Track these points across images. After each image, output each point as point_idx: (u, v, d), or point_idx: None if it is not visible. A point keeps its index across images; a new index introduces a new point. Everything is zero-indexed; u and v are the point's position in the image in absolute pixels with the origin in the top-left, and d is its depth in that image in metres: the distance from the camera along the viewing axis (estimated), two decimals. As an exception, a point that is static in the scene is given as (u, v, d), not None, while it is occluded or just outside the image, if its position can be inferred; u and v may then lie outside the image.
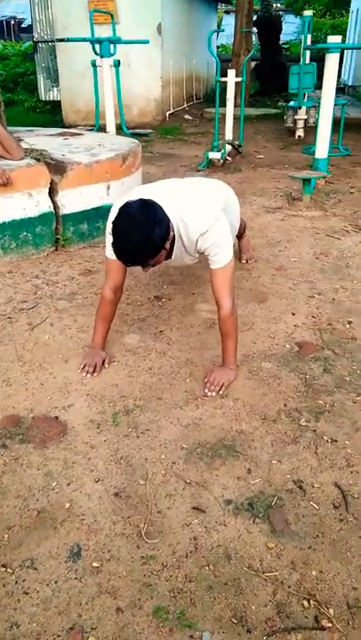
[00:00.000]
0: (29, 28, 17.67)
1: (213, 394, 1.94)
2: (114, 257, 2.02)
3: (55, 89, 9.33)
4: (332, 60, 4.28)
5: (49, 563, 1.34)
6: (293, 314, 2.52)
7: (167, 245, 1.78)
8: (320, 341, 2.29)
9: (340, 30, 14.89)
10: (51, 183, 3.13)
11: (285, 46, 14.92)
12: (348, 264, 3.09)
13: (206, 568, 1.32)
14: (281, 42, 13.22)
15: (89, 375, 2.07)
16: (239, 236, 2.99)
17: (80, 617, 1.21)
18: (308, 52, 6.22)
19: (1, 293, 2.75)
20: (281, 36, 12.57)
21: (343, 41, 4.50)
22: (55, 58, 8.68)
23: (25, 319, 2.51)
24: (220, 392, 1.95)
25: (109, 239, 1.98)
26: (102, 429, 1.80)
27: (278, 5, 15.54)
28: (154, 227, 1.67)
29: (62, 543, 1.39)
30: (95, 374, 2.08)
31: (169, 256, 1.99)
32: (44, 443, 1.74)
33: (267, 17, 11.58)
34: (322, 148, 4.57)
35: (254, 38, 9.31)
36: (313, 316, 2.50)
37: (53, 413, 1.88)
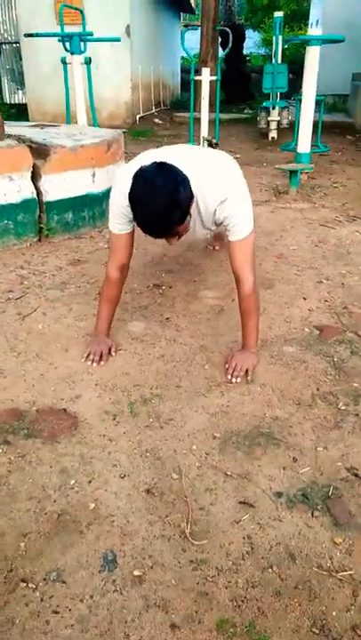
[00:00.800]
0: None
1: (238, 380, 1.75)
2: (119, 231, 1.82)
3: (20, 91, 9.04)
4: (312, 53, 4.23)
5: (79, 574, 1.11)
6: (305, 298, 2.37)
7: (192, 209, 1.59)
8: (340, 325, 2.14)
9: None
10: (33, 167, 2.89)
11: (247, 58, 15.15)
12: (350, 251, 2.98)
13: (269, 570, 1.12)
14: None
15: (95, 364, 1.85)
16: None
17: (128, 637, 0.99)
18: (280, 53, 6.22)
19: (-17, 283, 2.49)
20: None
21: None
22: (20, 59, 8.41)
23: (13, 309, 2.26)
24: (249, 378, 1.76)
25: (115, 210, 1.78)
26: (119, 420, 1.58)
27: (237, 19, 15.75)
28: (178, 187, 1.47)
29: (92, 550, 1.16)
30: (102, 363, 1.86)
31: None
32: (54, 437, 1.51)
33: (230, 25, 11.67)
34: (304, 142, 4.51)
35: (220, 51, 9.32)
36: (326, 300, 2.36)
37: (60, 405, 1.64)
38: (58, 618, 1.02)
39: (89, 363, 1.85)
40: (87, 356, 1.87)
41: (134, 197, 1.49)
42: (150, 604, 1.05)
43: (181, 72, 13.40)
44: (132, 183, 1.50)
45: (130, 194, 1.50)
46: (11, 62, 8.99)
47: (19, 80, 8.93)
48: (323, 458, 1.43)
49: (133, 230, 1.86)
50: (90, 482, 1.35)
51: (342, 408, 1.64)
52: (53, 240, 3.09)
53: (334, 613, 1.03)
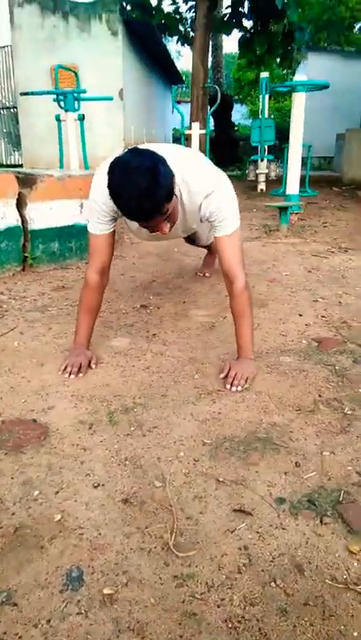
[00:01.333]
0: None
1: (239, 388, 1.57)
2: (100, 231, 1.72)
3: (17, 153, 9.34)
4: (298, 100, 4.36)
5: (35, 595, 0.89)
6: (300, 315, 2.24)
7: (176, 191, 1.48)
8: (339, 337, 1.99)
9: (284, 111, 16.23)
10: (19, 195, 2.84)
11: (235, 128, 15.95)
12: (345, 275, 2.89)
13: (272, 585, 0.90)
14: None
15: (72, 376, 1.67)
16: (209, 249, 2.74)
17: (91, 671, 0.76)
18: (266, 109, 6.47)
19: None
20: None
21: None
22: (17, 123, 8.75)
23: (-11, 329, 2.10)
24: (246, 386, 1.59)
25: (95, 207, 1.68)
26: (96, 430, 1.38)
27: (226, 91, 16.74)
28: (156, 165, 1.36)
29: (54, 567, 0.94)
30: (80, 375, 1.68)
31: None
32: (19, 447, 1.30)
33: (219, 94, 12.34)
34: (292, 184, 4.56)
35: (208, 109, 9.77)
36: (323, 317, 2.22)
37: (30, 416, 1.45)
38: (3, 648, 0.79)
39: (66, 375, 1.67)
40: (64, 369, 1.70)
41: (114, 184, 1.38)
42: (122, 627, 0.82)
43: (173, 141, 14.04)
44: (109, 172, 1.39)
45: (109, 184, 1.39)
46: (8, 126, 9.36)
47: (15, 142, 9.25)
48: (330, 462, 1.24)
49: (114, 232, 1.76)
50: (57, 492, 1.14)
51: (348, 413, 1.45)
52: (38, 270, 2.98)
53: (356, 634, 0.81)
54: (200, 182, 1.60)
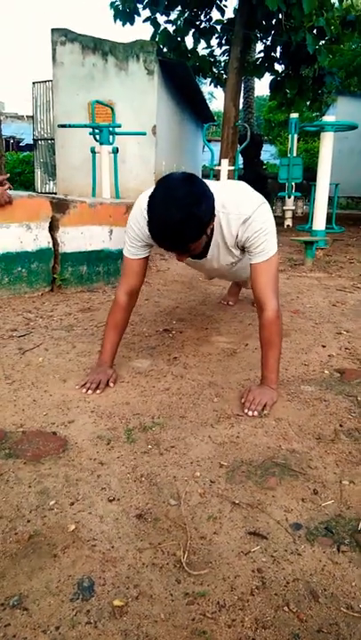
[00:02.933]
0: (27, 147, 18.99)
1: (255, 413, 1.57)
2: (133, 255, 1.76)
3: (51, 182, 9.67)
4: (327, 139, 4.44)
5: (46, 601, 0.88)
6: (324, 346, 2.23)
7: (209, 230, 1.51)
8: (362, 369, 1.97)
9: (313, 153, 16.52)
10: (52, 219, 2.94)
11: (264, 166, 16.24)
12: (370, 310, 2.87)
13: (285, 609, 0.88)
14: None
15: (90, 392, 1.69)
16: (239, 283, 2.76)
17: None
18: (295, 147, 6.60)
19: (-12, 321, 2.41)
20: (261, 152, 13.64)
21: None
22: (53, 154, 9.09)
23: (15, 345, 2.15)
24: (265, 412, 1.58)
25: (131, 233, 1.73)
26: (114, 445, 1.39)
27: (256, 131, 17.15)
28: (201, 200, 1.38)
29: (65, 575, 0.94)
30: (98, 392, 1.70)
31: (205, 253, 1.72)
32: (38, 458, 1.32)
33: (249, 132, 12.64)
34: (319, 220, 4.60)
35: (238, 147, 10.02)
36: (347, 349, 2.20)
37: (50, 429, 1.47)
38: (11, 652, 0.79)
39: (84, 390, 1.69)
40: (84, 385, 1.72)
41: (152, 203, 1.40)
42: (131, 640, 0.81)
43: (202, 177, 14.36)
44: (155, 187, 1.42)
45: (150, 195, 1.41)
46: (45, 156, 9.73)
47: (51, 172, 9.59)
48: (349, 492, 1.21)
49: (147, 257, 1.80)
50: (72, 504, 1.14)
51: (369, 444, 1.43)
52: (66, 291, 3.05)
53: (371, 665, 0.78)
54: (239, 207, 1.60)
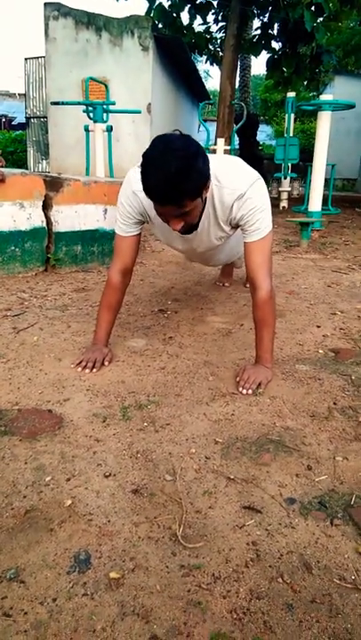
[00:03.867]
0: (19, 125, 18.64)
1: (250, 392, 1.57)
2: (125, 233, 1.74)
3: (44, 161, 9.54)
4: (324, 118, 4.40)
5: (42, 574, 0.89)
6: (318, 326, 2.23)
7: (205, 194, 1.47)
8: (357, 349, 1.98)
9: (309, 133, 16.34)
10: (45, 198, 2.90)
11: (260, 147, 16.07)
12: (365, 291, 2.87)
13: (279, 580, 0.89)
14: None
15: (87, 371, 1.69)
16: (232, 264, 2.72)
17: (95, 650, 0.76)
18: (291, 127, 6.53)
19: (-19, 301, 2.39)
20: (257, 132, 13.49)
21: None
22: (46, 132, 8.95)
23: (9, 324, 2.14)
24: (259, 391, 1.58)
25: (122, 209, 1.71)
26: (109, 423, 1.40)
27: (252, 110, 16.91)
28: (197, 155, 1.33)
29: (62, 549, 0.95)
30: (94, 371, 1.70)
31: (195, 227, 1.70)
32: (34, 435, 1.32)
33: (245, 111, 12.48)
34: (315, 201, 4.58)
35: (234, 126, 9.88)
36: (341, 329, 2.21)
37: (46, 407, 1.47)
38: (9, 622, 0.80)
39: (79, 369, 1.69)
40: (79, 363, 1.72)
41: (148, 154, 1.33)
42: (127, 611, 0.83)
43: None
44: (151, 143, 1.35)
45: (146, 151, 1.34)
46: (37, 135, 9.57)
47: (44, 151, 9.45)
48: (343, 467, 1.23)
49: (139, 235, 1.78)
50: (68, 479, 1.15)
51: (363, 421, 1.44)
52: (60, 271, 3.03)
53: (363, 633, 0.80)
54: (233, 181, 1.56)
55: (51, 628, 0.79)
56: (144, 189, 1.35)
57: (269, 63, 9.72)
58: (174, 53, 8.87)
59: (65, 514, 1.04)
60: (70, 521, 1.02)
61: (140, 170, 1.36)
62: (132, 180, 1.62)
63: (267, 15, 9.12)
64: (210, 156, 1.57)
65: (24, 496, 1.09)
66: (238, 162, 1.66)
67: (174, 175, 1.27)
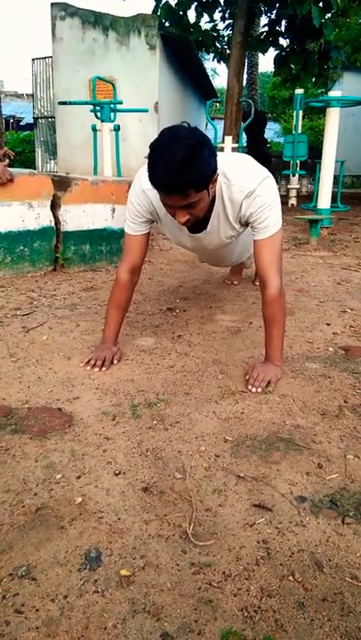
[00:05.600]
0: (27, 126, 18.71)
1: (259, 390, 1.57)
2: (134, 231, 1.74)
3: (52, 161, 9.57)
4: (333, 115, 4.37)
5: (54, 571, 0.90)
6: (328, 324, 2.22)
7: (212, 187, 1.46)
8: (367, 346, 1.97)
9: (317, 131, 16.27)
10: (53, 197, 2.91)
11: (268, 144, 16.01)
12: (374, 289, 2.85)
13: (290, 579, 0.89)
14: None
15: (96, 369, 1.69)
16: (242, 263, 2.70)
17: (106, 647, 0.76)
18: (300, 124, 6.49)
19: (-9, 300, 2.40)
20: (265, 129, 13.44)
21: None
22: (54, 132, 8.98)
23: (19, 323, 2.15)
24: (269, 389, 1.58)
25: (131, 208, 1.71)
26: (119, 421, 1.40)
27: (260, 108, 16.84)
28: (205, 146, 1.32)
29: (73, 546, 0.95)
30: (104, 369, 1.70)
31: (204, 225, 1.69)
32: (44, 433, 1.33)
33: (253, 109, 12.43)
34: (324, 198, 4.55)
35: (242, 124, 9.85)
36: (351, 327, 2.19)
37: (55, 405, 1.48)
38: (21, 619, 0.80)
39: (88, 368, 1.70)
40: (88, 361, 1.72)
41: (155, 143, 1.33)
42: (138, 608, 0.83)
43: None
44: (158, 135, 1.35)
45: (153, 142, 1.34)
46: (45, 135, 9.60)
47: (51, 151, 9.49)
48: (354, 466, 1.22)
49: (148, 234, 1.78)
50: (79, 477, 1.15)
51: (374, 419, 1.43)
52: (69, 270, 3.04)
53: (375, 632, 0.79)
54: (243, 179, 1.55)
55: (62, 625, 0.79)
56: (150, 178, 1.35)
57: (277, 60, 9.68)
58: (181, 52, 8.86)
59: (75, 511, 1.05)
60: (81, 518, 1.03)
61: None
62: (143, 179, 1.62)
63: (274, 12, 9.09)
64: (219, 154, 1.57)
65: (35, 494, 1.10)
66: (248, 159, 1.65)
67: (179, 163, 1.27)
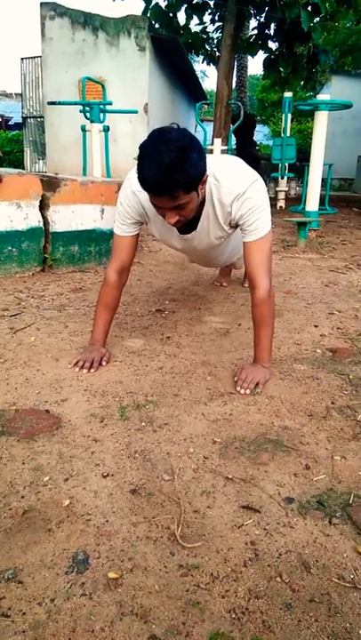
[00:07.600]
0: (16, 126, 18.59)
1: (248, 391, 1.57)
2: (123, 233, 1.74)
3: (41, 161, 9.52)
4: (321, 118, 4.40)
5: (41, 574, 0.89)
6: (316, 326, 2.23)
7: (201, 189, 1.47)
8: (355, 348, 1.98)
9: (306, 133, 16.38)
10: (42, 198, 2.89)
11: (257, 147, 16.08)
12: (362, 291, 2.88)
13: (277, 580, 0.89)
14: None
15: (85, 371, 1.68)
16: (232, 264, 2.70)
17: (93, 651, 0.76)
18: (288, 127, 6.53)
19: (-22, 301, 2.38)
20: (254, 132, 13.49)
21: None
22: (42, 132, 8.93)
23: (6, 324, 2.13)
24: (257, 391, 1.58)
25: (121, 210, 1.71)
26: (107, 423, 1.39)
27: (249, 111, 16.92)
28: (193, 147, 1.33)
29: (60, 549, 0.95)
30: (92, 371, 1.69)
31: (194, 226, 1.69)
32: (31, 435, 1.32)
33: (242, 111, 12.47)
34: (312, 201, 4.58)
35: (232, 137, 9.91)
36: (338, 328, 2.21)
37: (43, 407, 1.47)
38: (7, 622, 0.80)
39: (77, 369, 1.69)
40: (76, 363, 1.71)
41: (144, 145, 1.34)
42: (126, 611, 0.82)
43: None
44: (147, 136, 1.35)
45: (142, 143, 1.34)
46: (34, 135, 9.55)
47: (40, 151, 9.44)
48: (341, 467, 1.23)
49: (137, 235, 1.78)
50: (66, 480, 1.15)
51: (361, 420, 1.44)
52: (57, 271, 3.02)
53: (362, 632, 0.80)
54: (232, 181, 1.56)
55: (49, 629, 0.79)
56: (138, 179, 1.35)
57: (266, 63, 9.72)
58: (171, 53, 8.86)
59: (63, 514, 1.04)
60: (68, 521, 1.02)
61: None
62: (133, 180, 1.62)
63: (263, 15, 9.12)
64: (210, 156, 1.57)
65: (22, 496, 1.09)
66: (238, 162, 1.66)
67: (167, 165, 1.27)
